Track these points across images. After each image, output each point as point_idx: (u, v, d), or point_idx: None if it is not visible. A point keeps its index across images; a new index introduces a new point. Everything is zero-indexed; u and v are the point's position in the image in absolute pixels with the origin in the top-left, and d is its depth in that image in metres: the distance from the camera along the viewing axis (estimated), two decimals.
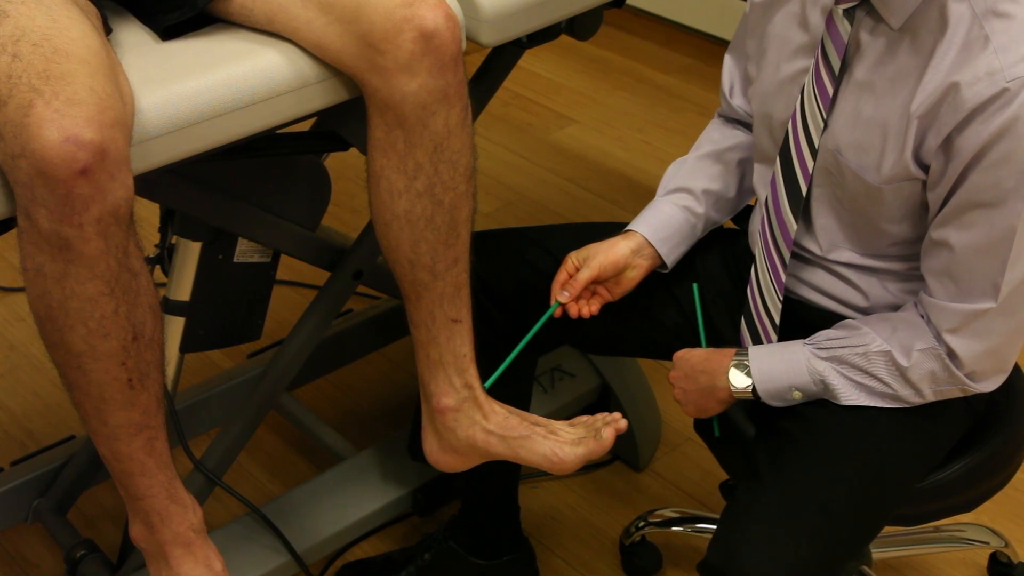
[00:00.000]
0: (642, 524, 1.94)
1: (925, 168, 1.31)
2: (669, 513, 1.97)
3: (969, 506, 1.56)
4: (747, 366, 1.43)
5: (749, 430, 1.52)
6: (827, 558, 1.37)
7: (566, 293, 1.50)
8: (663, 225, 1.53)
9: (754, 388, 1.43)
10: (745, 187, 1.59)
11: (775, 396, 1.43)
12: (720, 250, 1.61)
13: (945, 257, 1.33)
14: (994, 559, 1.94)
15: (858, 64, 1.33)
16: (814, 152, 1.38)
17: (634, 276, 1.52)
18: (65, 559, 1.81)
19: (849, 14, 1.31)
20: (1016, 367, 1.58)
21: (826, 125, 1.36)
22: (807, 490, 1.37)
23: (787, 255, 1.45)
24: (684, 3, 3.46)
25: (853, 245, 1.43)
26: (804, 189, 1.40)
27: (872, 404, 1.40)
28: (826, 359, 1.40)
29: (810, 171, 1.39)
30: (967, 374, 1.36)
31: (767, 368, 1.42)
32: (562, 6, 1.58)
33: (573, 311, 1.51)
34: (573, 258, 1.52)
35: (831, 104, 1.35)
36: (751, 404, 1.48)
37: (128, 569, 1.75)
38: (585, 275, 1.49)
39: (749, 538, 1.35)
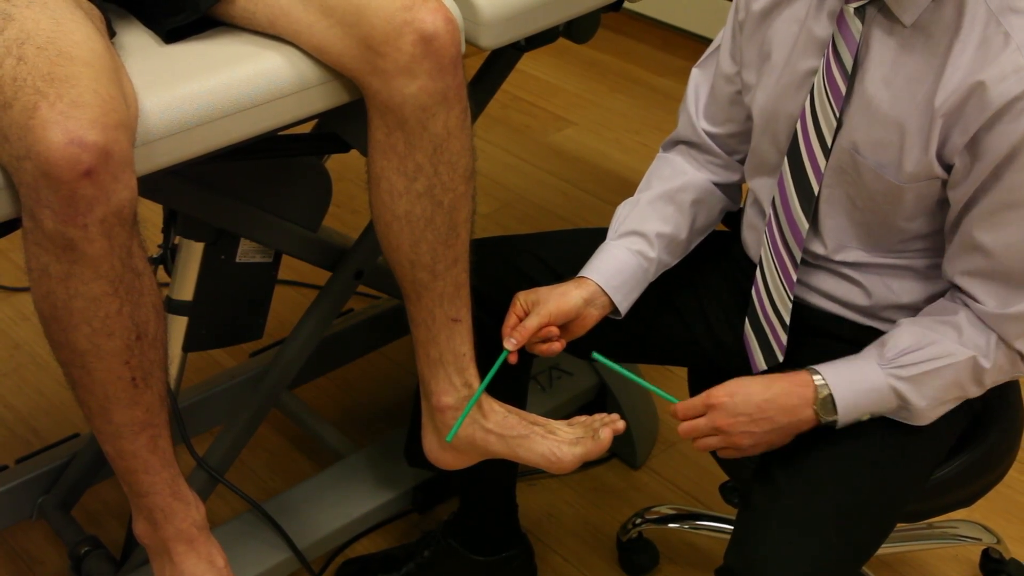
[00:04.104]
0: (639, 521, 1.95)
1: (947, 167, 1.31)
2: (666, 510, 1.97)
3: (967, 501, 1.57)
4: (830, 393, 1.36)
5: None
6: (846, 559, 1.38)
7: (513, 340, 1.44)
8: (617, 272, 1.48)
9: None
10: (696, 228, 1.56)
11: (849, 423, 1.38)
12: (715, 256, 1.61)
13: (982, 261, 1.32)
14: (986, 555, 1.95)
15: (871, 62, 1.32)
16: (827, 151, 1.37)
17: (583, 325, 1.47)
18: (69, 555, 1.82)
19: (860, 12, 1.31)
20: None
21: (839, 124, 1.35)
22: (823, 493, 1.37)
23: (798, 255, 1.44)
24: (681, 7, 3.47)
25: (862, 244, 1.42)
26: (816, 188, 1.39)
27: (940, 414, 1.39)
28: (908, 379, 1.36)
29: (822, 170, 1.38)
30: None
31: (852, 401, 1.36)
32: (560, 9, 1.59)
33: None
34: (522, 300, 1.46)
35: (844, 102, 1.35)
36: None
37: (132, 565, 1.75)
38: (533, 322, 1.43)
39: (768, 543, 1.35)
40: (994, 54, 1.23)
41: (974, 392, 1.39)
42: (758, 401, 1.36)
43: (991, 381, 1.38)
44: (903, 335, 1.37)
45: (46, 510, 1.91)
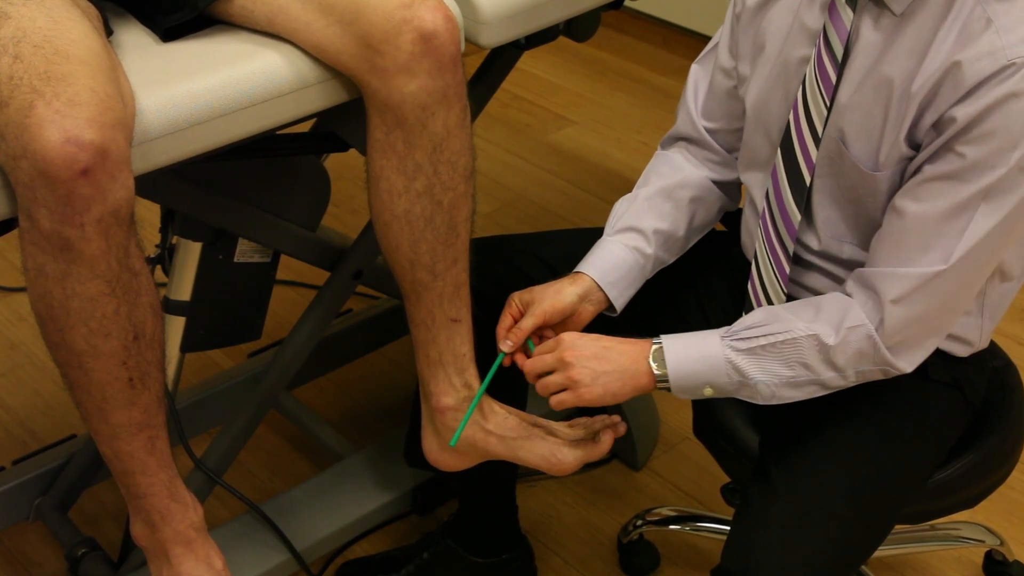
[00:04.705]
0: (640, 523, 1.94)
1: (915, 147, 1.31)
2: (667, 512, 1.97)
3: (970, 503, 1.56)
4: (661, 346, 1.38)
5: (750, 435, 1.52)
6: (842, 560, 1.37)
7: (509, 342, 1.44)
8: (613, 268, 1.47)
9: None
10: (694, 226, 1.55)
11: (687, 391, 1.38)
12: (715, 257, 1.61)
13: (895, 223, 1.31)
14: (989, 557, 1.95)
15: (861, 50, 1.33)
16: (817, 140, 1.37)
17: (579, 321, 1.46)
18: (66, 557, 1.82)
19: (851, 1, 1.32)
20: (1009, 361, 1.59)
21: (829, 112, 1.36)
22: (820, 493, 1.37)
23: (791, 247, 1.44)
24: (681, 4, 3.47)
25: (855, 238, 1.42)
26: (808, 179, 1.39)
27: (794, 398, 1.37)
28: (745, 351, 1.35)
29: (814, 160, 1.38)
30: (890, 346, 1.33)
31: (683, 367, 1.37)
32: (560, 8, 1.58)
33: (520, 360, 1.46)
34: (516, 300, 1.46)
35: (834, 91, 1.35)
36: (754, 408, 1.48)
37: (129, 567, 1.76)
38: (528, 323, 1.43)
39: (764, 543, 1.34)
40: (974, 37, 1.24)
41: (832, 377, 1.35)
42: (604, 342, 1.39)
43: (850, 368, 1.34)
44: (758, 312, 1.38)
45: (43, 511, 1.91)
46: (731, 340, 1.36)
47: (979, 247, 1.28)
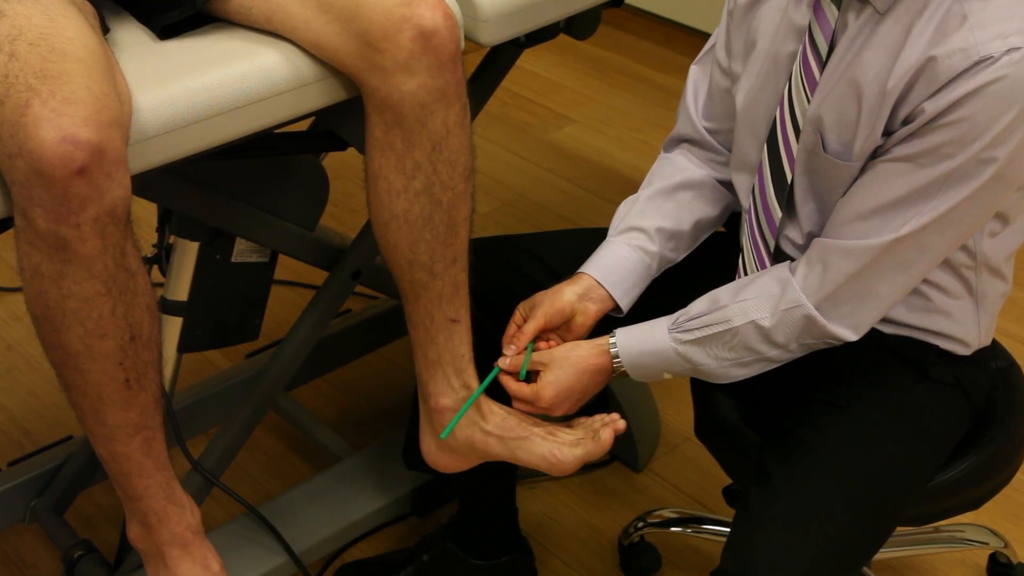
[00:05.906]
0: (641, 524, 1.94)
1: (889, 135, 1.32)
2: (668, 513, 1.96)
3: (975, 504, 1.56)
4: (620, 359, 1.45)
5: (752, 436, 1.52)
6: (843, 562, 1.37)
7: (513, 347, 1.46)
8: (616, 267, 1.48)
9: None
10: (699, 224, 1.56)
11: (648, 378, 1.47)
12: (720, 261, 1.60)
13: (858, 197, 1.33)
14: (993, 560, 1.94)
15: (842, 46, 1.34)
16: (798, 133, 1.38)
17: (583, 322, 1.47)
18: (63, 559, 1.81)
19: None
20: (1013, 362, 1.58)
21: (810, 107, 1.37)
22: (820, 495, 1.36)
23: (772, 243, 1.44)
24: (683, 3, 3.47)
25: None
26: (789, 176, 1.40)
27: (744, 376, 1.41)
28: (690, 342, 1.41)
29: (795, 155, 1.39)
30: (832, 318, 1.35)
31: (639, 363, 1.44)
32: (560, 5, 1.58)
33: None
34: (521, 309, 1.48)
35: (816, 88, 1.36)
36: (756, 409, 1.48)
37: (126, 569, 1.75)
38: (531, 327, 1.45)
39: (764, 545, 1.34)
40: (949, 33, 1.25)
41: (776, 354, 1.39)
42: (577, 393, 1.46)
43: (793, 343, 1.38)
44: (702, 301, 1.43)
45: (39, 513, 1.90)
46: (676, 332, 1.42)
47: (931, 227, 1.30)
